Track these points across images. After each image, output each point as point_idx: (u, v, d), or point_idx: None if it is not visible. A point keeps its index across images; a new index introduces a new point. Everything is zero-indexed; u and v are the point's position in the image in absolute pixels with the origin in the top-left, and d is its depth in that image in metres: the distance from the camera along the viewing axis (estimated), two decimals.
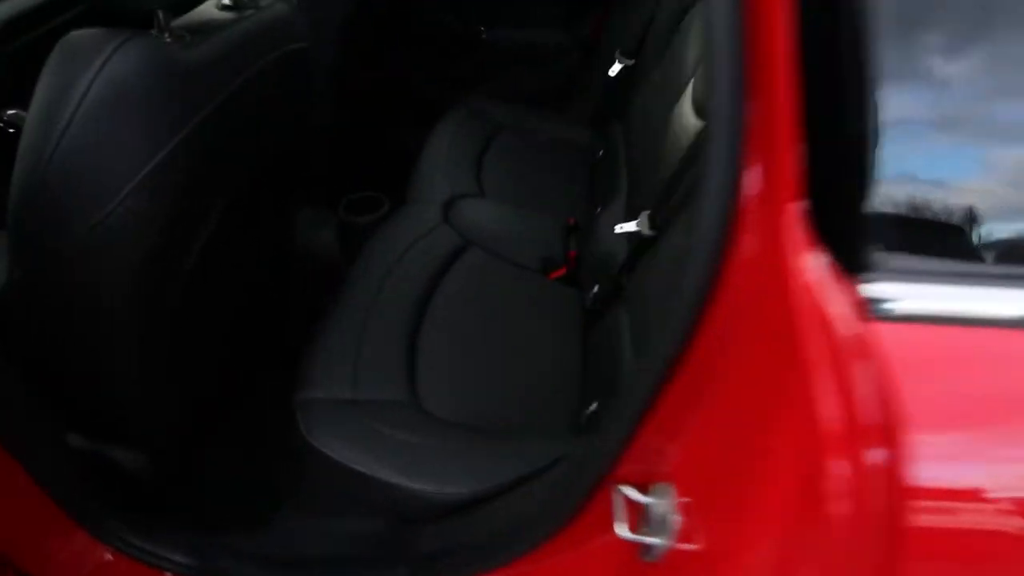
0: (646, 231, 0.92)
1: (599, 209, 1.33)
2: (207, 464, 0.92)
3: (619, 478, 0.46)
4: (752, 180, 0.39)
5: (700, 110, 0.96)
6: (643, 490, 0.43)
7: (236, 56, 0.67)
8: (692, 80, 1.08)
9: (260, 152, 0.79)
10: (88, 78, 0.54)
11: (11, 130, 1.17)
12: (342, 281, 1.05)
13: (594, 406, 0.90)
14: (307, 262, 1.30)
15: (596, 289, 1.10)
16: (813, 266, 0.35)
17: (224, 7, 0.71)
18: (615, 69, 1.53)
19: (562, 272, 1.19)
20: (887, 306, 0.36)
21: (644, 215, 0.94)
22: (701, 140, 0.86)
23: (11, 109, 1.18)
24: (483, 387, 0.92)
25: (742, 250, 0.38)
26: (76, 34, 0.56)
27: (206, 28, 0.65)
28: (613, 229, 1.19)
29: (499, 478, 0.76)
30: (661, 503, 0.41)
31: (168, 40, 0.60)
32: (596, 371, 0.98)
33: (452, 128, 1.52)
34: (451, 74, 1.75)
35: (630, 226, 0.96)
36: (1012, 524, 0.34)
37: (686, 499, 0.40)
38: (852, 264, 0.36)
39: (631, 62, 1.51)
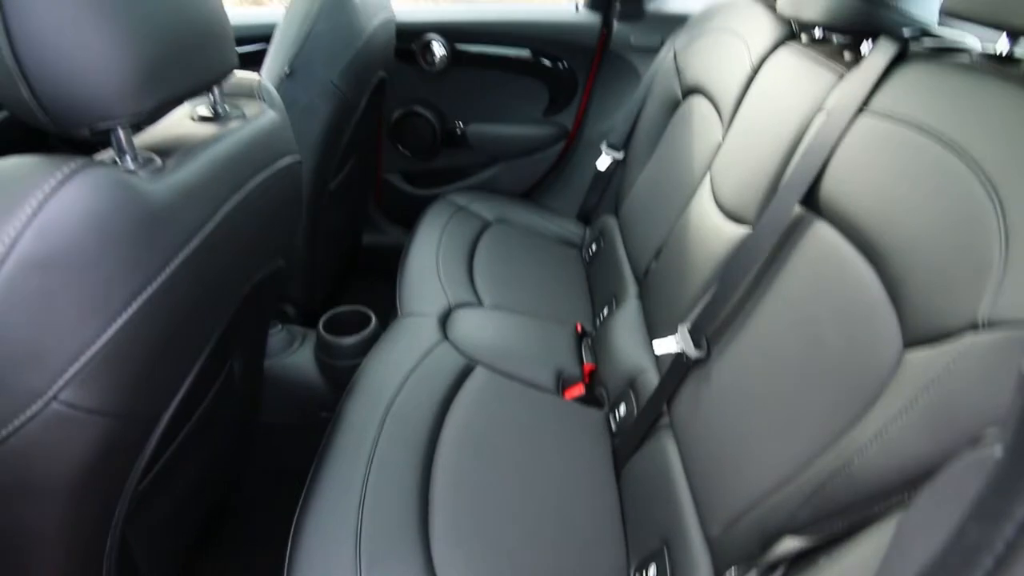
0: (692, 352, 0.80)
1: (605, 312, 1.22)
2: None
3: None
4: None
5: (736, 217, 0.88)
6: None
7: (222, 182, 0.52)
8: (708, 177, 1.02)
9: (242, 288, 0.63)
10: (14, 230, 0.38)
11: None
12: (332, 413, 0.88)
13: (652, 571, 0.74)
14: (282, 390, 1.11)
15: (623, 411, 0.96)
16: None
17: (203, 119, 0.57)
18: (603, 162, 1.48)
19: (580, 391, 1.05)
20: None
21: (683, 331, 0.83)
22: (745, 248, 0.78)
23: None
24: (515, 555, 0.74)
25: None
26: (7, 165, 0.41)
27: (182, 147, 0.51)
28: (630, 339, 1.08)
29: None
30: None
31: (132, 168, 0.46)
32: (643, 517, 0.82)
33: (436, 227, 1.41)
34: (431, 171, 1.67)
35: (668, 344, 0.85)
36: None
37: None
38: None
39: (620, 155, 1.47)
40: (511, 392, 0.99)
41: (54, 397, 0.40)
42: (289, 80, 0.96)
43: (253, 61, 1.14)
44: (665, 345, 0.85)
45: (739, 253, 0.79)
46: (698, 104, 1.18)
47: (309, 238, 1.12)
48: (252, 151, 0.57)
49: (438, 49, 1.48)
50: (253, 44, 1.38)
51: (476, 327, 1.11)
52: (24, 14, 0.38)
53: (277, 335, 1.16)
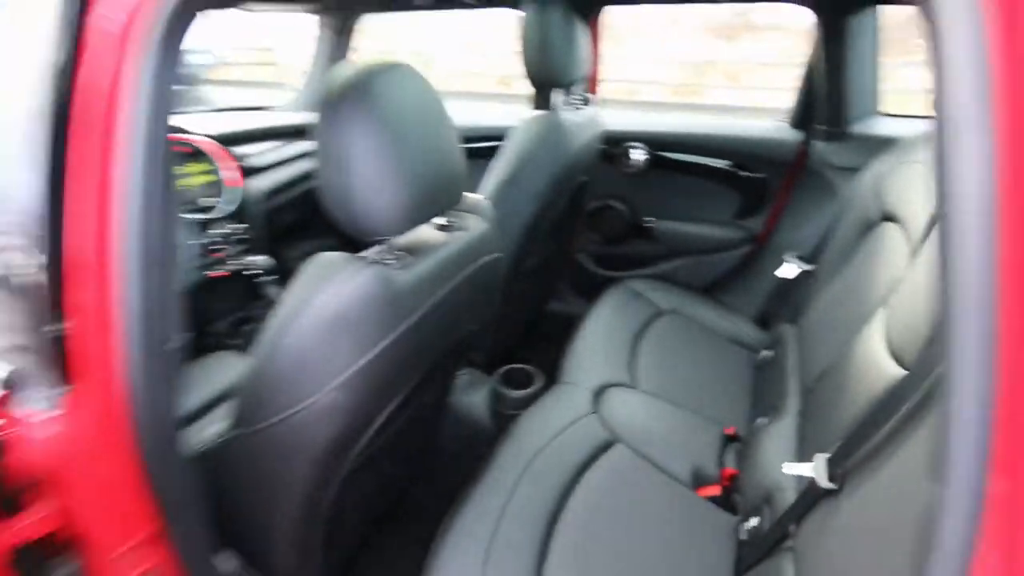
0: (823, 482, 0.81)
1: (763, 421, 1.23)
2: None
3: None
4: None
5: (899, 358, 0.87)
6: None
7: (443, 273, 0.77)
8: (882, 310, 1.00)
9: (446, 345, 0.87)
10: (321, 297, 0.66)
11: (253, 274, 1.47)
12: (489, 452, 1.07)
13: None
14: (458, 423, 1.35)
15: (756, 523, 0.98)
16: None
17: (440, 227, 0.83)
18: (789, 271, 1.49)
19: (715, 491, 1.08)
20: None
21: (821, 459, 0.84)
22: (898, 391, 0.78)
23: (259, 256, 1.48)
24: None
25: None
26: (323, 257, 0.70)
27: (422, 248, 0.77)
28: (779, 454, 1.08)
29: None
30: None
31: (391, 262, 0.71)
32: None
33: (611, 308, 1.56)
34: (617, 256, 1.84)
35: (804, 469, 0.86)
36: None
37: None
38: None
39: (807, 266, 1.46)
40: (645, 474, 1.07)
41: (324, 395, 0.66)
42: (507, 185, 1.24)
43: (488, 155, 1.45)
44: (798, 468, 0.87)
45: (892, 395, 0.79)
46: (891, 233, 1.15)
47: (501, 305, 1.36)
48: (467, 253, 0.81)
49: (637, 155, 1.67)
50: (490, 141, 1.73)
51: (626, 407, 1.22)
52: (359, 173, 0.66)
53: (462, 377, 1.41)
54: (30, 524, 0.61)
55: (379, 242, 0.72)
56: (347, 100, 0.65)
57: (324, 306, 0.66)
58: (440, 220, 0.84)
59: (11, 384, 0.61)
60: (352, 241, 0.72)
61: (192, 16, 0.58)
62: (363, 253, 0.73)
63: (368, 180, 0.65)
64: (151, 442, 0.63)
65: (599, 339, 1.43)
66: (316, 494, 0.79)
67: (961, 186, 0.39)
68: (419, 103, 0.71)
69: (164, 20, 0.55)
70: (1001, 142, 0.37)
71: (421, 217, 0.72)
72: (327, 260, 0.70)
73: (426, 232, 0.82)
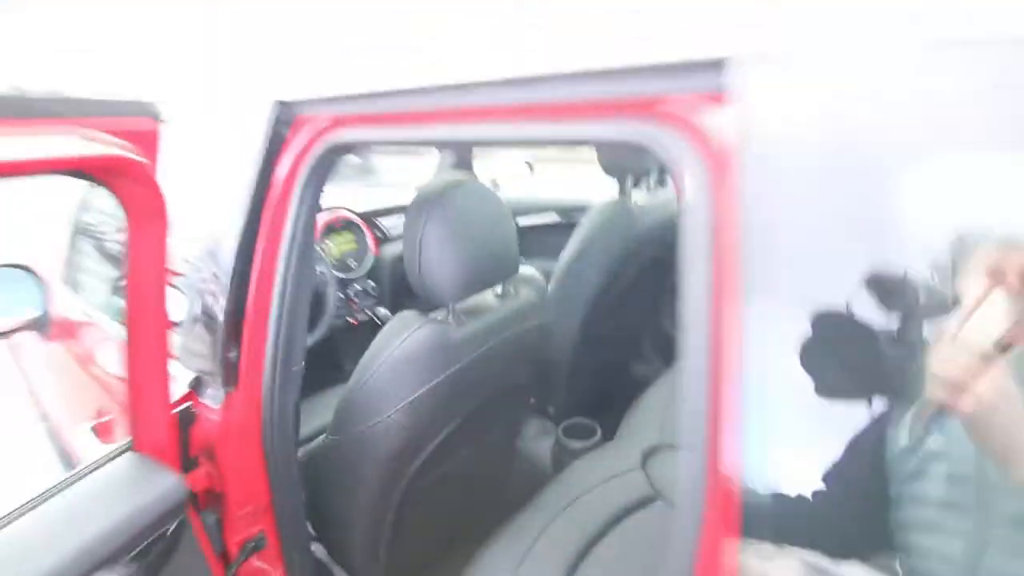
0: None
1: None
2: None
3: None
4: None
5: None
6: None
7: (491, 332, 1.00)
8: None
9: (492, 388, 1.08)
10: (395, 344, 0.91)
11: (378, 320, 1.82)
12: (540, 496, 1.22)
13: None
14: (525, 466, 1.52)
15: None
16: None
17: (497, 296, 1.06)
18: None
19: None
20: None
21: None
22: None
23: (383, 308, 1.83)
24: None
25: None
26: (403, 313, 0.95)
27: (478, 311, 1.00)
28: None
29: None
30: None
31: (452, 322, 0.95)
32: None
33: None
34: None
35: None
36: None
37: None
38: None
39: None
40: None
41: (389, 415, 0.89)
42: (576, 260, 1.44)
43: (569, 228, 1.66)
44: None
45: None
46: None
47: (570, 366, 1.53)
48: (512, 317, 1.03)
49: None
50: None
51: (673, 468, 1.29)
52: (429, 252, 0.91)
53: (534, 424, 1.59)
54: (198, 479, 0.92)
55: (444, 306, 0.97)
56: (426, 206, 0.92)
57: (396, 351, 0.91)
58: (499, 290, 1.07)
59: (196, 385, 0.95)
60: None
61: (328, 169, 0.88)
62: (431, 313, 0.98)
63: (433, 264, 0.91)
64: (271, 432, 0.92)
65: (662, 401, 1.52)
66: (383, 496, 1.02)
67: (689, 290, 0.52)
68: (481, 210, 0.96)
69: (307, 172, 0.86)
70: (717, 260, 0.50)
71: (474, 290, 0.95)
72: (405, 316, 0.96)
73: (485, 298, 1.05)
